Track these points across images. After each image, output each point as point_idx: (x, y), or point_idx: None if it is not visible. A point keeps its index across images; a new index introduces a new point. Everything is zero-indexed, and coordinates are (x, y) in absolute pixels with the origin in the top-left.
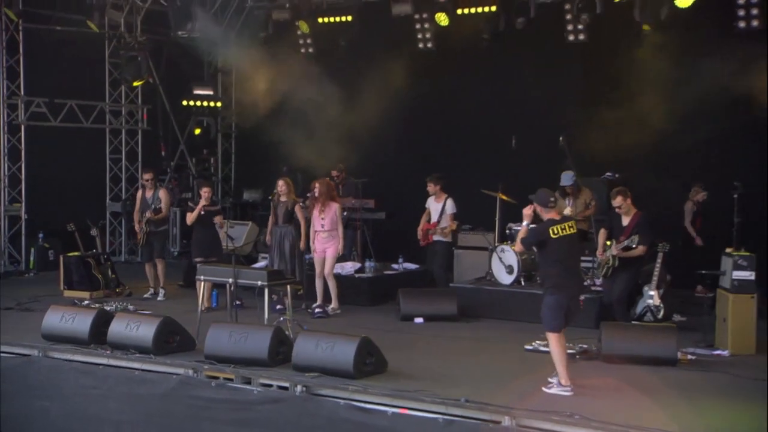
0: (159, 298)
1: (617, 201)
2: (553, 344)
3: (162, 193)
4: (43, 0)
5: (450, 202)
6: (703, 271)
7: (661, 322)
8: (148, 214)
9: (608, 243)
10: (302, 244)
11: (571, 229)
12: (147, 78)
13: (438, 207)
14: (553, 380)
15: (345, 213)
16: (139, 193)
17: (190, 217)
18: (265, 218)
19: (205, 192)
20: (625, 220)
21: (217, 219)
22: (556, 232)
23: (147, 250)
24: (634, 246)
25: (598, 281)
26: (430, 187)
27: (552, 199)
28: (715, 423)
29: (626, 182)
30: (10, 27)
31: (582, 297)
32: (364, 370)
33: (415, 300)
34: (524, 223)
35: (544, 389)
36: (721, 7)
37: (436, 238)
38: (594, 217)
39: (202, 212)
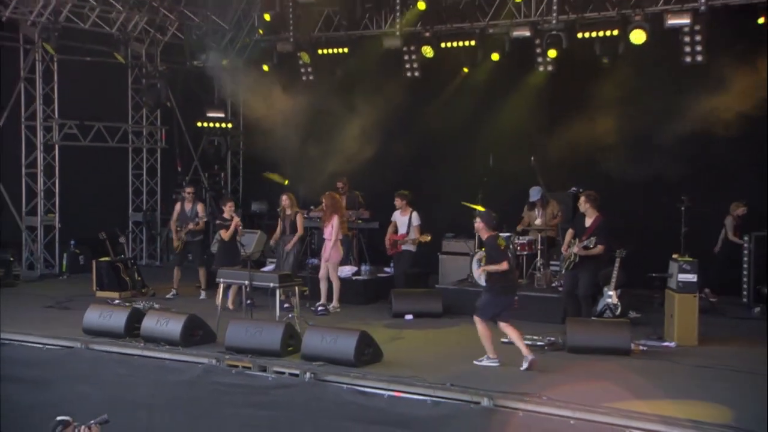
0: (201, 297)
1: (581, 201)
2: (481, 328)
3: (200, 207)
4: (75, 34)
5: (415, 215)
6: (654, 274)
7: (618, 318)
8: (191, 226)
9: (573, 241)
10: (289, 246)
11: (502, 241)
12: (165, 102)
13: (404, 220)
14: (483, 357)
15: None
16: (178, 205)
17: (226, 234)
18: (271, 227)
19: (229, 206)
20: (588, 222)
21: (222, 232)
22: (501, 244)
23: (180, 256)
24: (592, 246)
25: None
26: (398, 202)
27: (495, 221)
28: (659, 401)
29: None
30: (46, 58)
31: (516, 297)
32: (363, 359)
33: (405, 299)
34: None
35: (474, 362)
36: (669, 44)
37: (405, 247)
38: (561, 226)
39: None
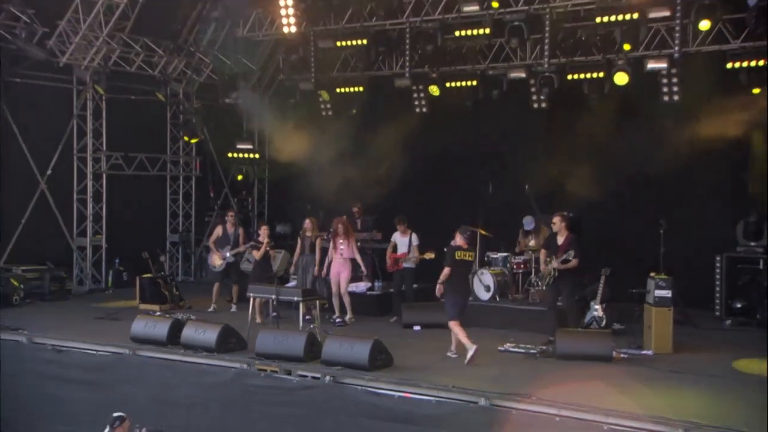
0: (232, 310)
1: (555, 220)
2: (455, 327)
3: (241, 231)
4: (122, 76)
5: (414, 236)
6: (634, 290)
7: (603, 329)
8: (242, 249)
9: (548, 259)
10: (316, 270)
11: (470, 256)
12: (200, 136)
13: (405, 241)
14: (452, 352)
15: (359, 244)
16: (219, 228)
17: (258, 254)
18: (294, 247)
19: (263, 230)
20: (560, 240)
21: (254, 252)
22: (459, 255)
23: (222, 274)
24: (570, 259)
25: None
26: (400, 226)
27: (468, 233)
28: (635, 401)
29: (579, 218)
30: (96, 97)
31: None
32: (376, 364)
33: (414, 312)
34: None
35: (448, 354)
36: (649, 84)
37: (406, 265)
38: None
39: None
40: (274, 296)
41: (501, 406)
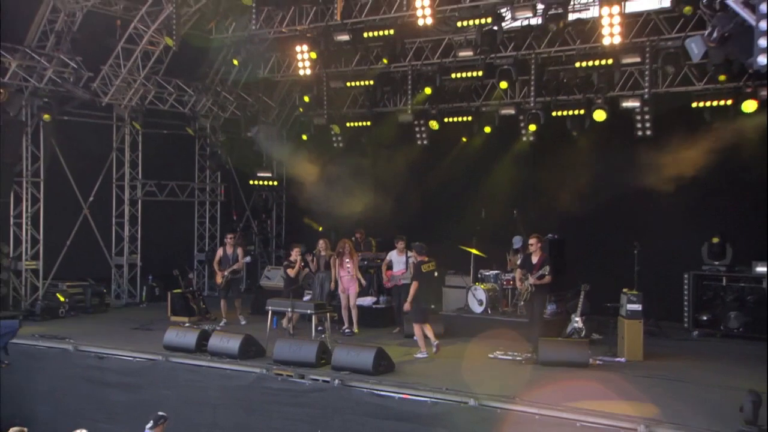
0: (242, 323)
1: (532, 240)
2: (418, 331)
3: (240, 251)
4: (156, 113)
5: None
6: (608, 304)
7: (582, 339)
8: (236, 266)
9: (524, 277)
10: (332, 285)
11: (432, 266)
12: (224, 165)
13: (402, 259)
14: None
15: (365, 262)
16: (221, 250)
17: (292, 272)
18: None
19: (295, 251)
20: (534, 259)
21: (289, 270)
22: (425, 268)
23: (225, 290)
24: (546, 274)
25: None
26: (400, 245)
27: (424, 249)
28: (607, 402)
29: (563, 240)
30: (133, 132)
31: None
32: (379, 369)
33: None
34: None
35: (417, 355)
36: (625, 120)
37: (405, 281)
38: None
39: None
40: (289, 309)
41: (488, 405)
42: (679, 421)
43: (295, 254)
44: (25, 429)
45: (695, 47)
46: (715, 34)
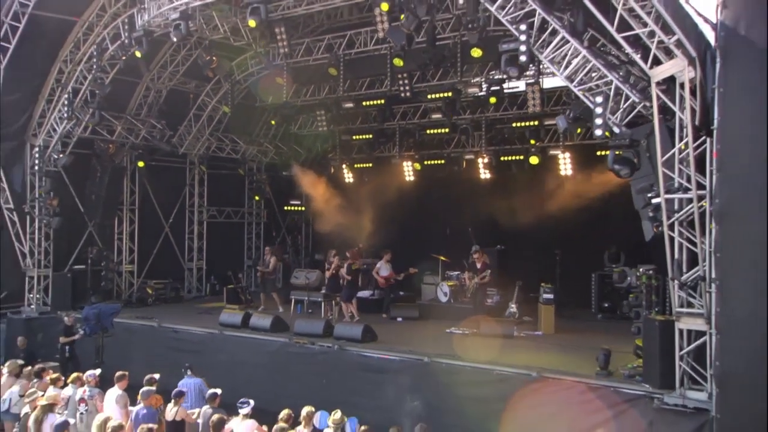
0: (280, 310)
1: (478, 253)
2: (345, 307)
3: (273, 260)
4: (217, 158)
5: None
6: (531, 294)
7: (513, 319)
8: (261, 267)
9: (471, 277)
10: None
11: (359, 265)
12: (266, 196)
13: (388, 266)
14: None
15: (365, 266)
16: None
17: (328, 273)
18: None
19: (335, 259)
20: (478, 265)
21: (327, 272)
22: (354, 266)
23: (263, 286)
24: (486, 276)
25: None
26: (387, 256)
27: (351, 253)
28: (519, 357)
29: (506, 249)
30: (200, 173)
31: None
32: (366, 338)
33: (398, 309)
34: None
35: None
36: (552, 163)
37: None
38: (488, 272)
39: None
40: (306, 297)
41: (436, 361)
42: (561, 369)
43: (330, 256)
44: (126, 372)
45: (560, 122)
46: (570, 114)
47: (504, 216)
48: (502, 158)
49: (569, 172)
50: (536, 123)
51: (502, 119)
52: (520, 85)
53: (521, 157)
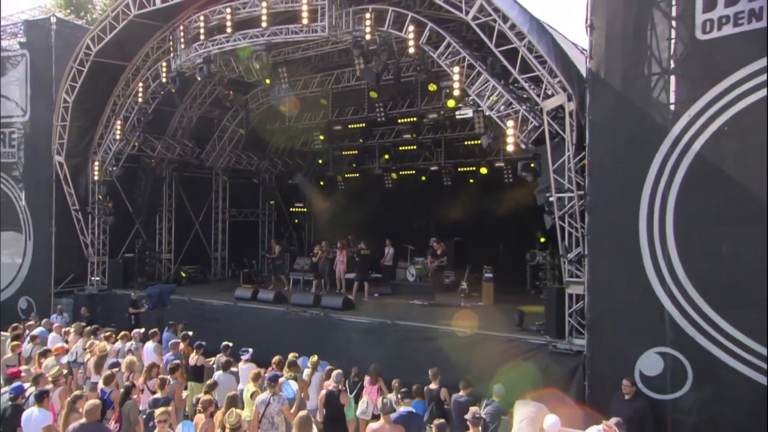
0: (285, 289)
1: (435, 244)
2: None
3: (278, 249)
4: (237, 170)
5: (392, 250)
6: (476, 274)
7: (464, 294)
8: (268, 254)
9: (432, 261)
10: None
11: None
12: (276, 199)
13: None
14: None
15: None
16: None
17: (315, 259)
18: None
19: (317, 248)
20: (438, 251)
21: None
22: (364, 252)
23: (274, 271)
24: (444, 262)
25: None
26: (388, 244)
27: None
28: (461, 321)
29: (463, 241)
30: (223, 182)
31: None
32: (346, 307)
33: (376, 287)
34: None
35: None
36: (498, 173)
37: (386, 264)
38: (445, 258)
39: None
40: (301, 278)
41: (396, 323)
42: (487, 328)
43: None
44: (157, 329)
45: (484, 141)
46: (491, 135)
47: (461, 214)
48: (459, 169)
49: (511, 179)
50: (482, 142)
51: (458, 138)
52: (469, 112)
53: (474, 168)
